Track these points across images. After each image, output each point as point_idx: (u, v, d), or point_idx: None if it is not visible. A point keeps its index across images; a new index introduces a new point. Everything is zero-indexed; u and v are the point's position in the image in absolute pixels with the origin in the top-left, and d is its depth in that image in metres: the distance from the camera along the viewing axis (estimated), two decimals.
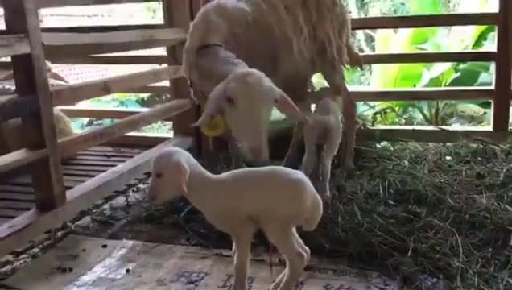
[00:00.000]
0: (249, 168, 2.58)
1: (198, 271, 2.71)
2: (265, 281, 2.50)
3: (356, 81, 9.08)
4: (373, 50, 9.00)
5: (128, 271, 2.76)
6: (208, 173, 2.27)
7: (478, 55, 5.37)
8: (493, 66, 4.42)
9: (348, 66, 3.90)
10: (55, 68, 5.36)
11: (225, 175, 2.32)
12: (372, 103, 5.93)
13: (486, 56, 4.88)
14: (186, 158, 2.19)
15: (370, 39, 9.79)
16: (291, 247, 2.22)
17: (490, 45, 6.40)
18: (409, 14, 8.68)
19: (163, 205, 3.27)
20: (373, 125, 4.69)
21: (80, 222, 3.44)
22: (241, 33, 3.16)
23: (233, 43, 3.09)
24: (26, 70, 2.94)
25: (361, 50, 8.75)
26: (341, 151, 4.00)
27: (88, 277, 2.72)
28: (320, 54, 3.61)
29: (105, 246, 3.07)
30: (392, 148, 4.41)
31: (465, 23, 5.45)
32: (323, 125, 3.21)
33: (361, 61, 4.01)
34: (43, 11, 7.38)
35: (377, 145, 4.39)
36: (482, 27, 6.95)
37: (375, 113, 5.02)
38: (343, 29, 3.76)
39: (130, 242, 3.10)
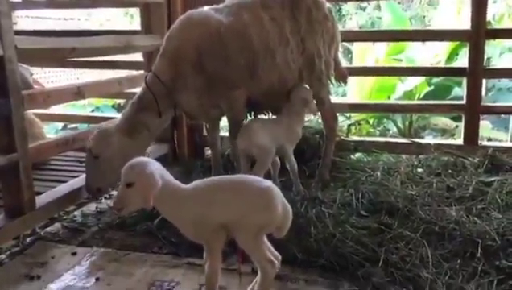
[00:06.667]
0: (219, 177, 2.58)
1: (169, 279, 2.69)
2: None
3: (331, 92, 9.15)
4: (351, 62, 9.12)
5: (98, 279, 2.72)
6: (178, 183, 2.26)
7: (450, 71, 5.48)
8: (464, 81, 4.51)
9: (333, 80, 3.91)
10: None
11: (194, 184, 2.31)
12: (347, 114, 6.00)
13: (457, 72, 4.97)
14: (158, 169, 2.18)
15: (347, 51, 9.92)
16: (263, 254, 2.23)
17: (462, 60, 6.56)
18: (384, 29, 8.83)
19: (137, 211, 3.23)
20: (347, 136, 4.74)
21: (49, 229, 3.39)
22: (210, 43, 3.32)
23: (194, 57, 3.29)
24: None
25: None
26: (314, 161, 4.05)
27: (56, 285, 2.68)
28: (308, 66, 3.63)
29: (74, 253, 3.02)
30: (366, 159, 4.46)
31: (438, 39, 5.57)
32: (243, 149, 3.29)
33: (346, 76, 4.03)
34: (17, 12, 7.23)
35: (352, 156, 4.44)
36: (455, 43, 7.13)
37: (350, 125, 5.08)
38: (333, 43, 3.78)
39: (101, 250, 3.06)
